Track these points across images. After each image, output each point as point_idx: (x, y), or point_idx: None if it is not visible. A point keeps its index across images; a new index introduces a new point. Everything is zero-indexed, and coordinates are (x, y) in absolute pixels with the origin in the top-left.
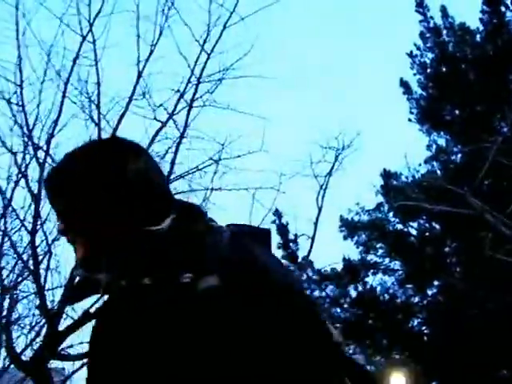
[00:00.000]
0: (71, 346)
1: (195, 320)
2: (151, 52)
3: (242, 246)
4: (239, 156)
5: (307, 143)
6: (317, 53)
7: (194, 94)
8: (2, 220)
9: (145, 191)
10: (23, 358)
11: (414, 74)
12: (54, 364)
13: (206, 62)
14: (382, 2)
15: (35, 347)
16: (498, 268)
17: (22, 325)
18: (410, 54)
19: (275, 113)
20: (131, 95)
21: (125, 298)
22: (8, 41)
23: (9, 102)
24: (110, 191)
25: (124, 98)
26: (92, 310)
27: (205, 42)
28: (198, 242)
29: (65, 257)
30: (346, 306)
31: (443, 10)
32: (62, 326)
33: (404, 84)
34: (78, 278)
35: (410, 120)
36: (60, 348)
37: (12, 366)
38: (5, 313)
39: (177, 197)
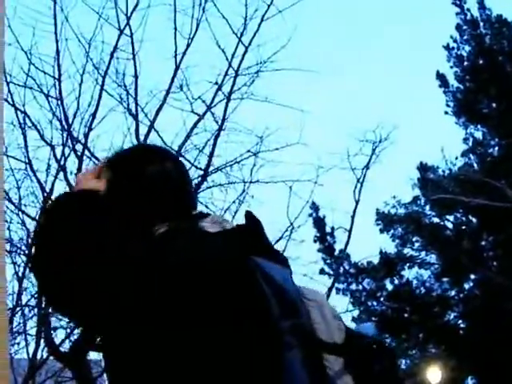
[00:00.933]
0: None
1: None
2: (188, 45)
3: None
4: (277, 149)
5: (344, 136)
6: (354, 44)
7: (232, 87)
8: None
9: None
10: (62, 349)
11: (451, 67)
12: (92, 356)
13: (243, 55)
14: None
15: (74, 339)
16: None
17: (60, 317)
18: (447, 47)
19: (313, 105)
20: (169, 88)
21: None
22: (46, 35)
23: (47, 95)
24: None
25: (162, 91)
26: None
27: (242, 34)
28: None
29: None
30: (382, 299)
31: (480, 2)
32: None
33: (440, 77)
34: None
35: (446, 113)
36: (98, 340)
37: (51, 357)
38: (44, 305)
39: (215, 189)
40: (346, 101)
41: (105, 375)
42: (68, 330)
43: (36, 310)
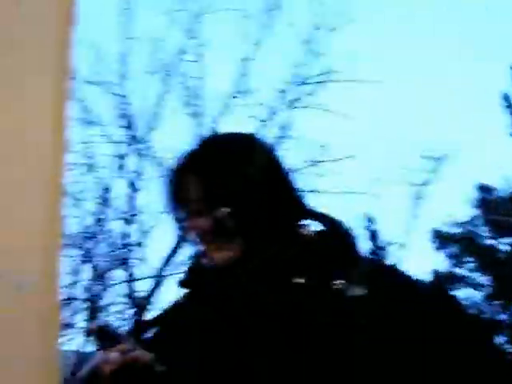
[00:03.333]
0: None
1: (342, 325)
2: (255, 50)
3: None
4: (337, 159)
5: (405, 150)
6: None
7: (297, 95)
8: (99, 208)
9: (286, 191)
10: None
11: None
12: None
13: (309, 64)
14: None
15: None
16: None
17: (110, 311)
18: None
19: (375, 118)
20: (233, 92)
21: (276, 294)
22: (114, 33)
23: (112, 93)
24: (262, 183)
25: (226, 95)
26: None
27: (310, 43)
28: (349, 250)
29: (156, 248)
30: None
31: None
32: (148, 316)
33: (505, 97)
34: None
35: (511, 135)
36: (144, 337)
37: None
38: (94, 299)
39: None
40: (408, 115)
41: None
42: (117, 326)
43: (86, 303)
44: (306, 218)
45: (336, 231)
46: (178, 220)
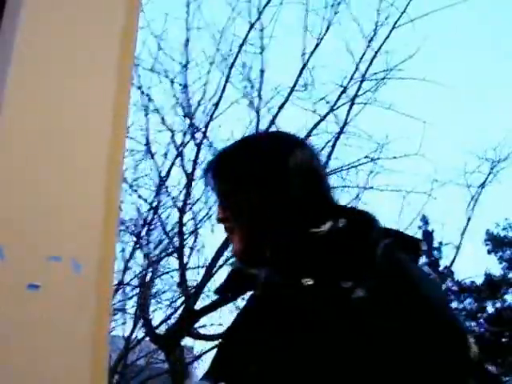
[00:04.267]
0: (203, 326)
1: (347, 326)
2: (317, 45)
3: (394, 259)
4: (395, 157)
5: (464, 152)
6: (485, 61)
7: (357, 91)
8: (155, 196)
9: (306, 189)
10: (158, 331)
11: None
12: (185, 342)
13: (371, 60)
14: None
15: (171, 322)
16: None
17: (160, 300)
18: None
19: (435, 117)
20: (293, 86)
21: (284, 296)
22: (178, 22)
23: (173, 81)
24: (275, 183)
25: (286, 88)
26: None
27: (372, 39)
28: (359, 251)
29: (210, 238)
30: (481, 320)
31: None
32: (198, 306)
33: None
34: (231, 270)
35: None
36: (193, 327)
37: (146, 338)
38: (146, 285)
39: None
40: (468, 116)
41: (196, 362)
42: (167, 314)
43: (138, 289)
44: (330, 216)
45: (355, 229)
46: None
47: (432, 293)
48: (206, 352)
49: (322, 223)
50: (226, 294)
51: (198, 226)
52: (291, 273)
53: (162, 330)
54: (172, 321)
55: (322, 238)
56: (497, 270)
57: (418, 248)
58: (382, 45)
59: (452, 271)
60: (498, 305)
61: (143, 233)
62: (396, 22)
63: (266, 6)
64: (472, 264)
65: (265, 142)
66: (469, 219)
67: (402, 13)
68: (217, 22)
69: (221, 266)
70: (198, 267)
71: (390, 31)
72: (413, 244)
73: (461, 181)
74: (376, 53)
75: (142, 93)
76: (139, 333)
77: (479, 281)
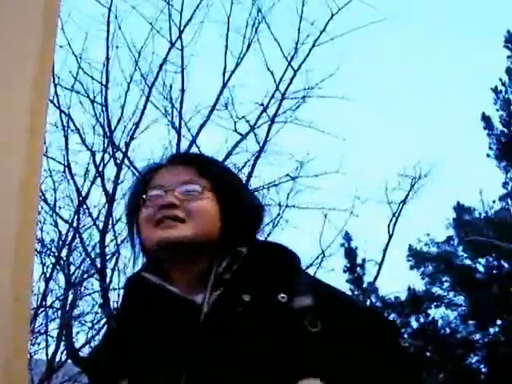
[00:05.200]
0: None
1: (290, 335)
2: (238, 64)
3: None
4: (316, 175)
5: (384, 169)
6: (401, 79)
7: (277, 110)
8: (75, 217)
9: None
10: (81, 354)
11: (497, 110)
12: None
13: (291, 79)
14: (470, 34)
15: (94, 345)
16: None
17: (83, 321)
18: (495, 90)
19: (356, 135)
20: (214, 105)
21: (226, 313)
22: (98, 41)
23: (93, 101)
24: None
25: (207, 107)
26: None
27: (292, 58)
28: (288, 267)
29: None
30: (406, 335)
31: None
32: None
33: (486, 119)
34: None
35: (488, 156)
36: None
37: (69, 361)
38: (67, 308)
39: None
40: (388, 134)
41: None
42: (89, 335)
43: (59, 312)
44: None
45: (277, 251)
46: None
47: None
48: None
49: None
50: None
51: (120, 246)
52: (234, 290)
53: (85, 352)
54: (95, 342)
55: (247, 257)
56: (419, 285)
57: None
58: (301, 63)
59: (376, 287)
60: (422, 319)
61: (64, 254)
62: (316, 41)
63: (186, 24)
64: (395, 280)
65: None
66: (391, 235)
67: (322, 31)
68: (137, 40)
69: None
70: (121, 288)
71: (310, 50)
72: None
73: (382, 197)
74: (296, 71)
75: (61, 112)
76: (63, 356)
77: (403, 296)
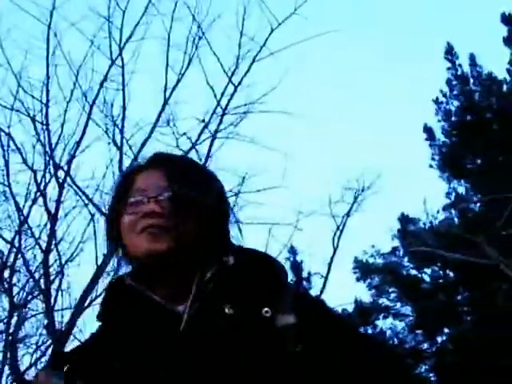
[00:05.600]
0: None
1: (272, 353)
2: (179, 80)
3: (301, 289)
4: (259, 190)
5: (327, 182)
6: (343, 92)
7: (219, 126)
8: (17, 237)
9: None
10: (26, 377)
11: (439, 121)
12: None
13: (232, 95)
14: (411, 46)
15: (40, 367)
16: (510, 320)
17: (28, 343)
18: (436, 101)
19: (298, 149)
20: (155, 122)
21: (207, 325)
22: (38, 59)
23: (33, 119)
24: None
25: (148, 124)
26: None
27: (233, 74)
28: (274, 279)
29: (76, 278)
30: None
31: (472, 58)
32: (68, 349)
33: (427, 130)
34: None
35: (431, 166)
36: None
37: None
38: (12, 330)
39: None
40: (331, 147)
41: None
42: (34, 358)
43: (3, 335)
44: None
45: (263, 261)
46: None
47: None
48: None
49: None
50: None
51: (64, 266)
52: (214, 301)
53: (30, 374)
54: (41, 365)
55: (233, 267)
56: (366, 296)
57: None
58: (242, 79)
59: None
60: (370, 331)
61: (6, 275)
62: (256, 56)
63: (127, 41)
64: (342, 292)
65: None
66: (335, 248)
67: (262, 47)
68: (77, 58)
69: (88, 306)
70: (67, 308)
71: (250, 65)
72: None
73: (326, 211)
74: (236, 87)
75: (1, 131)
76: (8, 380)
77: (350, 308)
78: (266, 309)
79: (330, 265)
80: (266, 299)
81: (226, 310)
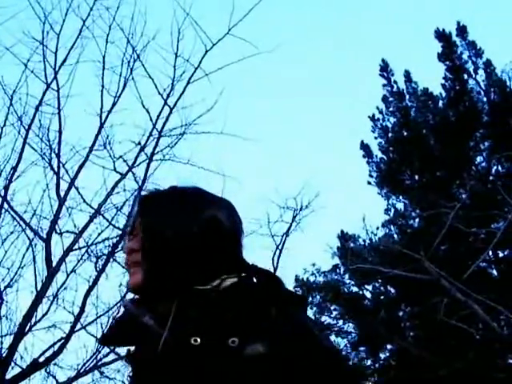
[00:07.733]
0: None
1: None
2: (114, 103)
3: (288, 314)
4: None
5: (265, 202)
6: (279, 111)
7: (155, 148)
8: None
9: (213, 243)
10: None
11: (376, 138)
12: None
13: (168, 116)
14: (345, 63)
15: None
16: (451, 334)
17: None
18: (372, 118)
19: (235, 170)
20: (92, 145)
21: (172, 356)
22: None
23: None
24: (190, 233)
25: (85, 148)
26: (41, 360)
27: (168, 95)
28: (252, 308)
29: (16, 304)
30: None
31: (407, 75)
32: (9, 375)
33: (365, 147)
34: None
35: (369, 183)
36: None
37: None
38: None
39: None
40: (268, 167)
41: None
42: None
43: None
44: (234, 271)
45: (251, 283)
46: None
47: (330, 343)
48: None
49: (211, 280)
50: (112, 344)
51: (3, 292)
52: (181, 331)
53: None
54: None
55: (208, 295)
56: (308, 315)
57: (305, 303)
58: (177, 100)
59: None
60: None
61: None
62: (191, 77)
63: (61, 65)
64: None
65: (190, 194)
66: (275, 268)
67: (196, 68)
68: (10, 82)
69: (29, 331)
70: (7, 335)
71: (185, 86)
72: (299, 299)
73: (265, 231)
74: (172, 108)
75: None
76: None
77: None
78: (232, 338)
79: None
80: (237, 328)
81: (192, 341)
